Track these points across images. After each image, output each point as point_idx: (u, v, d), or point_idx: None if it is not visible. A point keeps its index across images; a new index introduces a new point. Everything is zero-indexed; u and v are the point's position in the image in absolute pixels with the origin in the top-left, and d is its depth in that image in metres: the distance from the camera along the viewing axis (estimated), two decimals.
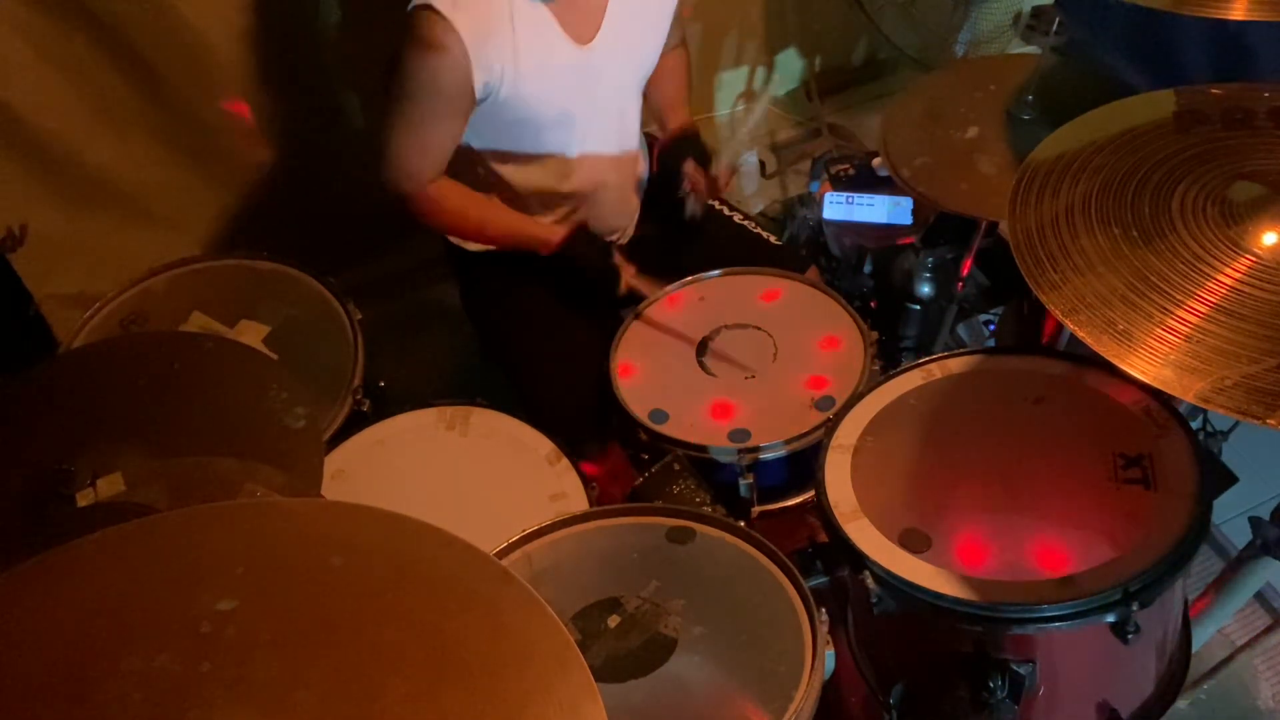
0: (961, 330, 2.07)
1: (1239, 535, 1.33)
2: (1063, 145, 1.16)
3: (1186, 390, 0.87)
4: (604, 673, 1.00)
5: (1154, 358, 0.91)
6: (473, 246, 1.64)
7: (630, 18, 1.46)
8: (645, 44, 1.53)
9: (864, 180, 1.94)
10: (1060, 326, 1.65)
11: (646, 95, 1.63)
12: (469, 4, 1.30)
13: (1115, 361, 0.91)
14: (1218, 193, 1.03)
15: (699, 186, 1.59)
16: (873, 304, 1.91)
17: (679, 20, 1.61)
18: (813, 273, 1.68)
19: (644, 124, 1.67)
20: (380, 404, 1.43)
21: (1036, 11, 1.71)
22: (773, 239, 1.74)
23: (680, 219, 1.64)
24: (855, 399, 1.26)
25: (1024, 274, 1.01)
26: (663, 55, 1.58)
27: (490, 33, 1.33)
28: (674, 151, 1.60)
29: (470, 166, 1.53)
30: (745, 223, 1.75)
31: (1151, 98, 1.21)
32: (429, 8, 1.29)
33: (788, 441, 1.30)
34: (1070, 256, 1.02)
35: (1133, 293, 0.96)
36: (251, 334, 1.46)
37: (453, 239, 1.66)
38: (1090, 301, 0.96)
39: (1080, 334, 0.94)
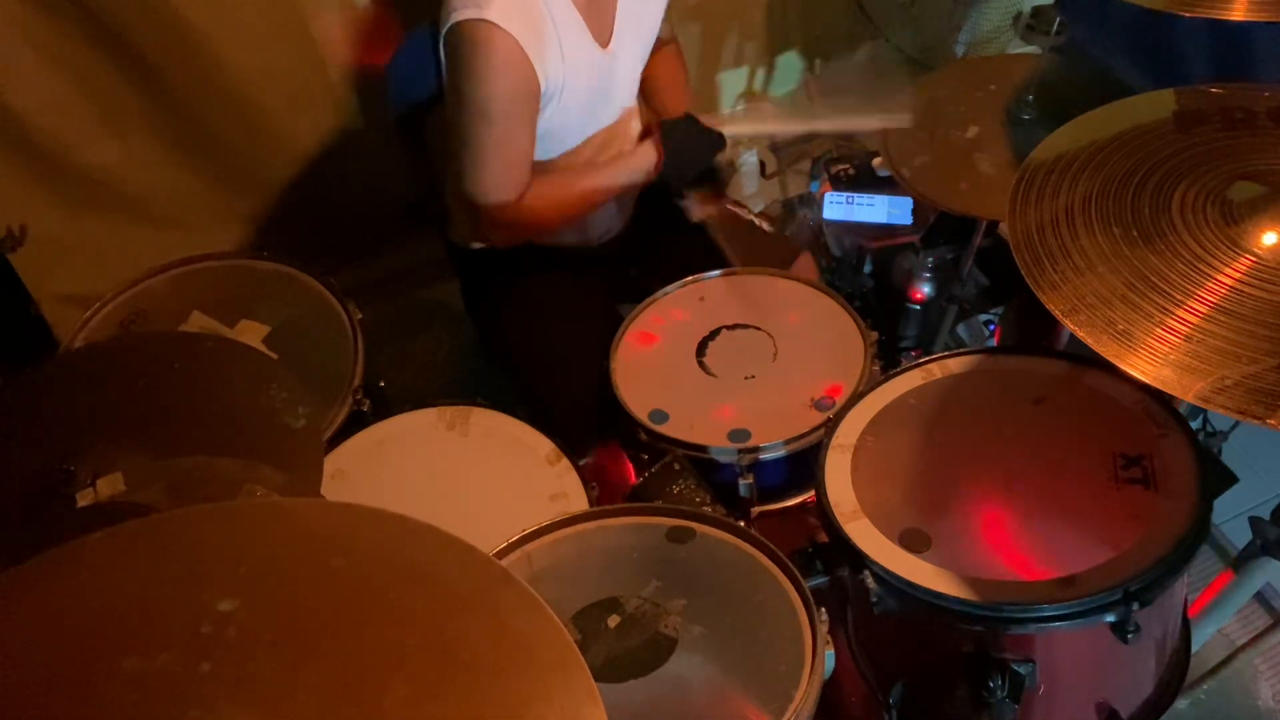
0: (961, 330, 2.07)
1: (1239, 535, 1.33)
2: (1063, 145, 1.16)
3: (1186, 390, 0.87)
4: (604, 673, 1.00)
5: (1154, 358, 0.91)
6: (475, 245, 1.64)
7: (635, 18, 1.46)
8: (646, 42, 1.53)
9: (864, 180, 1.94)
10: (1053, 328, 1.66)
11: (648, 96, 1.63)
12: (516, 12, 1.28)
13: (1115, 361, 0.91)
14: (1218, 193, 1.03)
15: (705, 207, 1.57)
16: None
17: (667, 16, 1.61)
18: (807, 259, 1.68)
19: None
20: (380, 404, 1.43)
21: (1036, 11, 1.70)
22: (765, 225, 1.73)
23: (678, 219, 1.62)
24: (855, 399, 1.26)
25: (1024, 274, 1.01)
26: (655, 53, 1.58)
27: (541, 37, 1.31)
28: (682, 160, 1.49)
29: None
30: (737, 210, 1.74)
31: (1151, 97, 1.21)
32: (482, 20, 1.26)
33: (788, 441, 1.30)
34: (1070, 256, 1.02)
35: (1132, 293, 0.96)
36: (251, 334, 1.46)
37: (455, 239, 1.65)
38: (1090, 301, 0.96)
39: (1080, 334, 0.94)
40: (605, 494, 1.34)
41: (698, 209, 1.59)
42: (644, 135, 1.48)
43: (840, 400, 1.32)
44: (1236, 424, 1.38)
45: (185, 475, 1.04)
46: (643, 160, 1.47)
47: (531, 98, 1.34)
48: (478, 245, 1.63)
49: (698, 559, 1.12)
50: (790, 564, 1.08)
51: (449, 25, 1.29)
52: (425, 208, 1.78)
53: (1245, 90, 1.17)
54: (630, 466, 1.45)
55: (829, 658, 0.99)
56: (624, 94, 1.53)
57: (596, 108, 1.48)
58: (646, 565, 1.11)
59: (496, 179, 1.38)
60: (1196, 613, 1.31)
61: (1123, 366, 0.91)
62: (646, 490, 1.32)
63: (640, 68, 1.55)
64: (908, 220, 1.87)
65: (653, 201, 1.69)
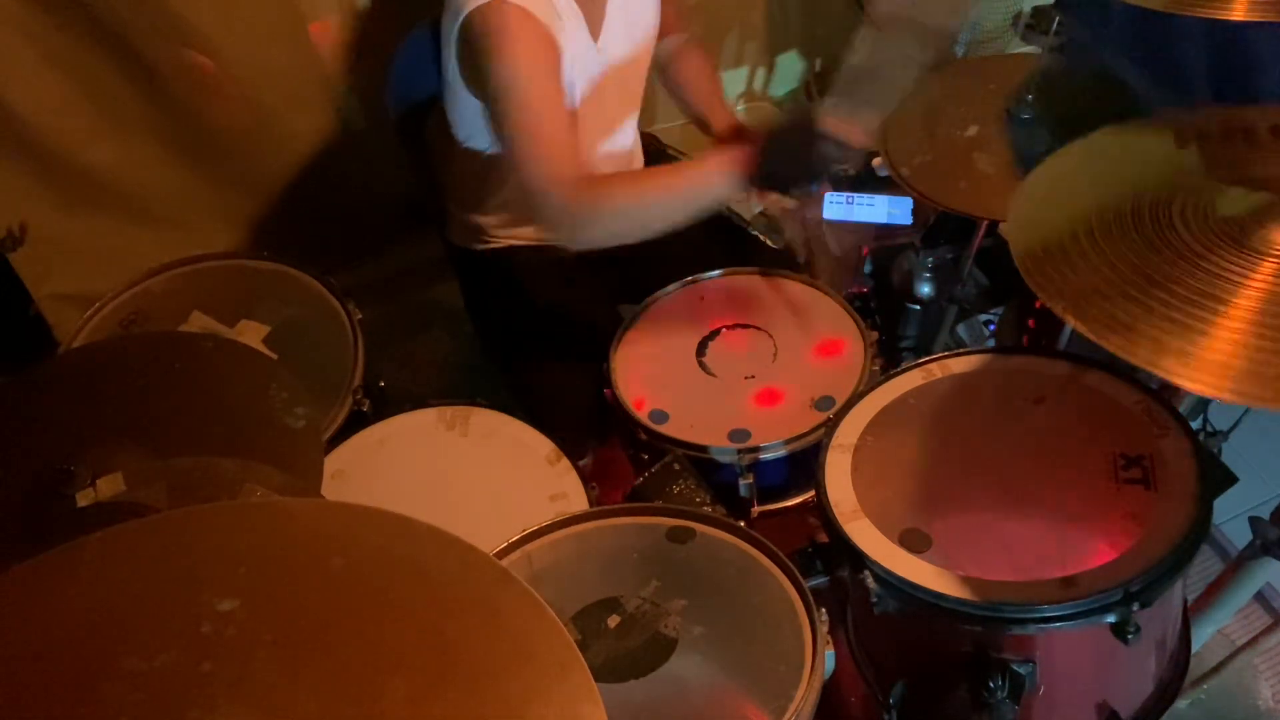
0: (961, 330, 2.07)
1: (1239, 535, 1.33)
2: (1060, 168, 1.15)
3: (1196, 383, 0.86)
4: (604, 673, 1.00)
5: (1158, 348, 0.89)
6: (478, 245, 1.63)
7: (623, 20, 1.46)
8: (637, 38, 1.53)
9: (864, 180, 1.93)
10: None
11: (682, 99, 1.63)
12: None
13: (1120, 354, 0.90)
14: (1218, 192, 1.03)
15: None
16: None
17: (683, 14, 1.60)
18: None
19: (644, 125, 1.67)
20: (380, 404, 1.43)
21: (1036, 11, 1.71)
22: (770, 242, 1.74)
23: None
24: (855, 399, 1.26)
25: (1024, 275, 1.01)
26: (678, 53, 1.57)
27: (549, 14, 1.32)
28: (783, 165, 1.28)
29: (478, 178, 1.52)
30: (743, 225, 1.75)
31: (1151, 122, 1.20)
32: (495, 1, 1.26)
33: (787, 441, 1.30)
34: (1070, 256, 1.01)
35: (1133, 290, 0.96)
36: (251, 334, 1.46)
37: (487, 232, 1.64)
38: (1091, 300, 0.96)
39: (1082, 329, 0.93)
40: (605, 494, 1.34)
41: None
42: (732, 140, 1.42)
43: (840, 400, 1.33)
44: (1236, 424, 1.38)
45: (185, 475, 1.03)
46: (726, 162, 1.26)
47: (557, 66, 1.33)
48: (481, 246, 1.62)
49: (698, 559, 1.12)
50: (790, 564, 1.08)
51: (464, 15, 1.29)
52: (425, 208, 1.78)
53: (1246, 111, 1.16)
54: (630, 466, 1.45)
55: (829, 658, 0.99)
56: (614, 90, 1.52)
57: (594, 104, 1.47)
58: (646, 565, 1.11)
59: (558, 155, 1.29)
60: (1196, 613, 1.30)
61: (1126, 358, 0.90)
62: (646, 490, 1.32)
63: (633, 65, 1.54)
64: (908, 220, 1.87)
65: None
